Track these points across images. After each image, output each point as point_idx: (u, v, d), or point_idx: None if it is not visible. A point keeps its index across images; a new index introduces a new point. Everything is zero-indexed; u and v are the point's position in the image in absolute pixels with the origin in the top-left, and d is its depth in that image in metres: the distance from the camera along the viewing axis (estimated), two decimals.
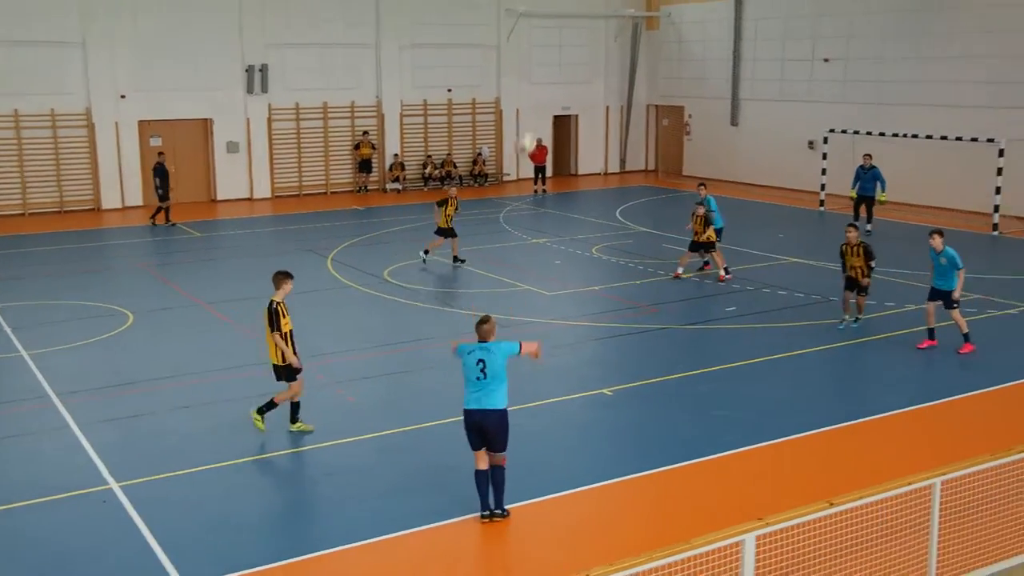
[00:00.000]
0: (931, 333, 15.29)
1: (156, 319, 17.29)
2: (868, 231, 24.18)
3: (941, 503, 8.12)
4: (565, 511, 10.09)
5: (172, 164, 28.82)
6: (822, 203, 28.68)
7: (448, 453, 11.12)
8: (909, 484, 7.95)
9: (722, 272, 19.78)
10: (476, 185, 34.32)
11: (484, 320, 9.68)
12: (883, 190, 24.55)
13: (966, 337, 15.08)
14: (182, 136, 30.46)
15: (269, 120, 31.39)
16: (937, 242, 14.98)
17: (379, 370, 14.60)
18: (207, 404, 13.02)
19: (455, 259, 21.38)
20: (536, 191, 32.67)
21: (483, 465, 9.64)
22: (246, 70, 30.60)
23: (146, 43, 29.16)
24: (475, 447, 9.62)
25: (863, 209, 24.85)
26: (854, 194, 25.00)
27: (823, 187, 28.73)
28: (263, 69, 30.74)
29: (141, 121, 29.60)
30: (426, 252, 21.47)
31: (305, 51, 31.58)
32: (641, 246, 23.50)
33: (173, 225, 26.46)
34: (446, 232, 21.19)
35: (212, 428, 12.22)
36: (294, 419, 11.96)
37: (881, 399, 13.09)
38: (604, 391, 13.45)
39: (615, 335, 16.35)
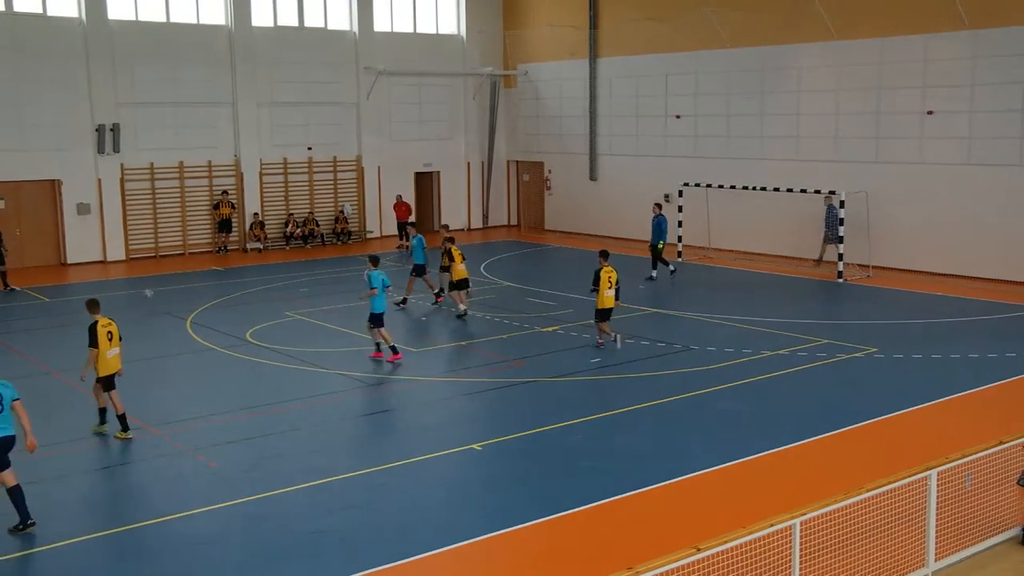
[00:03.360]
0: (394, 349, 17.91)
1: None
2: (652, 277, 26.00)
3: (801, 543, 8.39)
4: (435, 571, 9.96)
5: (16, 227, 27.80)
6: (679, 254, 29.55)
7: (311, 518, 10.91)
8: (771, 526, 8.20)
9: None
10: (339, 243, 34.05)
11: None
12: (661, 239, 25.93)
13: (393, 349, 17.88)
14: (28, 198, 29.24)
15: (122, 180, 30.47)
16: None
17: (241, 434, 14.19)
18: (62, 477, 12.40)
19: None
20: (400, 248, 32.64)
21: (15, 480, 10.76)
22: (96, 129, 29.71)
23: None
24: (5, 467, 10.77)
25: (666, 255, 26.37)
26: (661, 245, 26.19)
27: (680, 239, 29.63)
28: (114, 128, 29.90)
29: None
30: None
31: (158, 110, 30.89)
32: (506, 300, 23.70)
33: (12, 290, 25.40)
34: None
35: (63, 502, 11.63)
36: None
37: (744, 444, 13.44)
38: (474, 446, 13.42)
39: (483, 390, 16.37)
